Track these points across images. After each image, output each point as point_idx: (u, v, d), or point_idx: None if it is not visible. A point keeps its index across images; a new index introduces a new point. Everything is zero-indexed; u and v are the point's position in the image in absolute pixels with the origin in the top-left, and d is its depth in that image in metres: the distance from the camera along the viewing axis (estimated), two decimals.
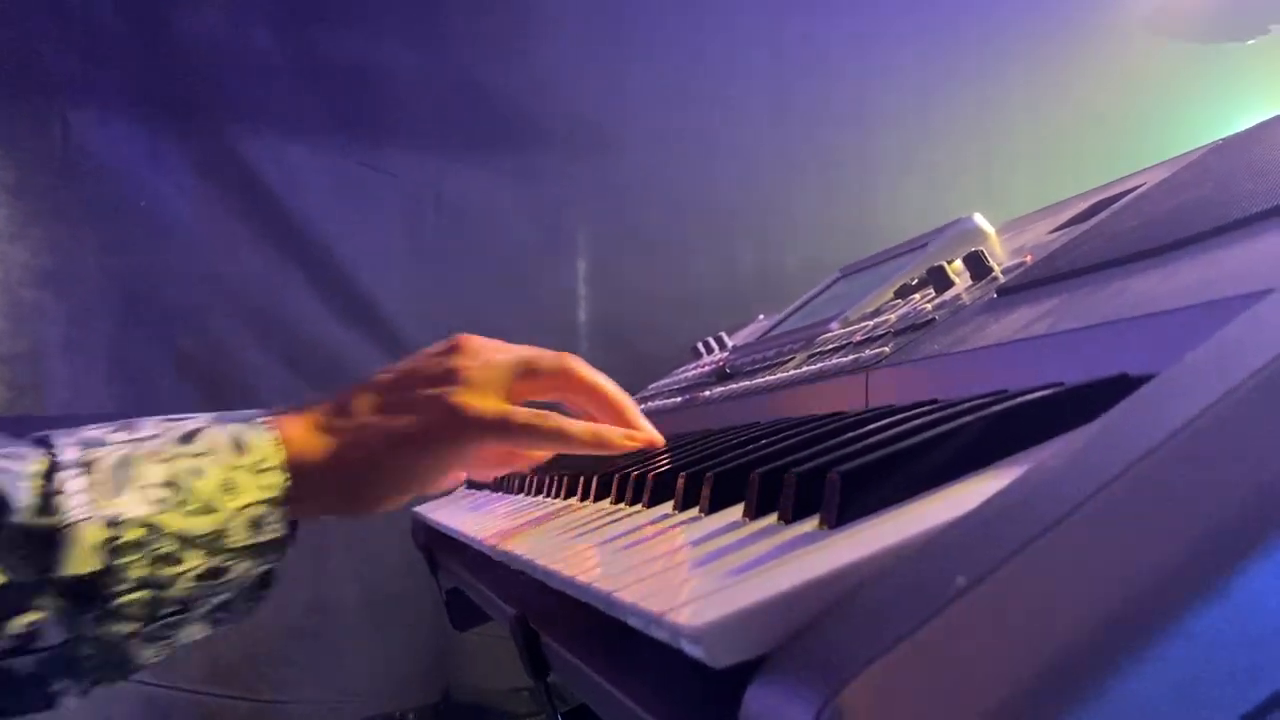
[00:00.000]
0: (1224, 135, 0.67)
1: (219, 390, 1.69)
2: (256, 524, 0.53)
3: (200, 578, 0.51)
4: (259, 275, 1.75)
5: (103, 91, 1.60)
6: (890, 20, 2.02)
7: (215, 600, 0.53)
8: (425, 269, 1.87)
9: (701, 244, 1.98)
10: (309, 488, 0.55)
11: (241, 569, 0.53)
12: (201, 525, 0.51)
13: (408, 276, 1.85)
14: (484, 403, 0.59)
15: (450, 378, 0.60)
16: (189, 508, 0.51)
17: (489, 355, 0.63)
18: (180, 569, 0.50)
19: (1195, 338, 0.33)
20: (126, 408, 1.60)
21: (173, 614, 0.51)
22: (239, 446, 0.54)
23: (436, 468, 0.60)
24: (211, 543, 0.51)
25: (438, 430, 0.58)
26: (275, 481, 0.54)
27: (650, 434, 0.65)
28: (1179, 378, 0.30)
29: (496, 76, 1.89)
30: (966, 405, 0.40)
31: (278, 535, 0.54)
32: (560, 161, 1.93)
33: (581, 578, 0.41)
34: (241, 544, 0.52)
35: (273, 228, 1.77)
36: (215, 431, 0.54)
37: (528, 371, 0.63)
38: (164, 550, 0.49)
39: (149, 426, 0.54)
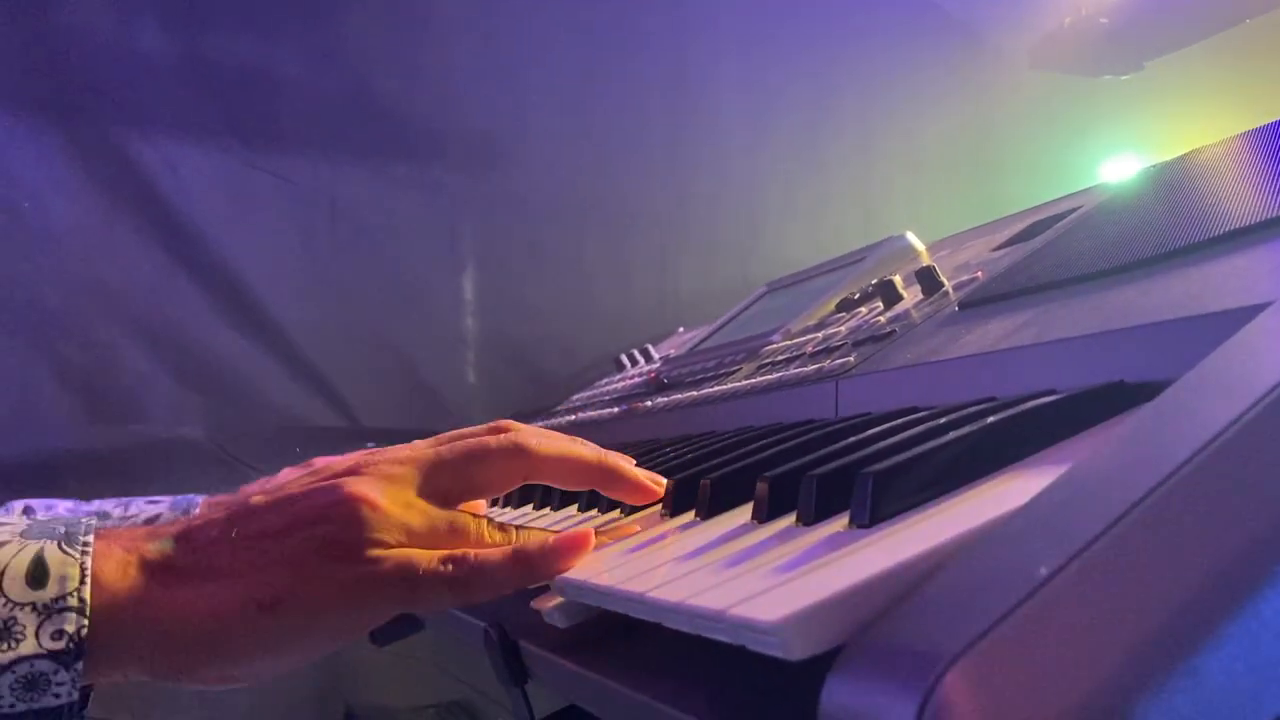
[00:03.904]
0: (1105, 166, 0.71)
1: (101, 401, 1.62)
2: (32, 683, 0.40)
3: None
4: (146, 281, 1.69)
5: None
6: (780, 56, 2.07)
7: None
8: (319, 276, 1.83)
9: (598, 258, 1.99)
10: (120, 643, 0.42)
11: None
12: None
13: (301, 284, 1.81)
14: (376, 550, 0.45)
15: (336, 514, 0.46)
16: None
17: (396, 499, 0.47)
18: None
19: (1194, 347, 0.35)
20: (5, 418, 1.52)
21: None
22: (37, 577, 0.41)
23: (308, 644, 0.45)
24: None
25: (312, 596, 0.44)
26: (69, 628, 0.40)
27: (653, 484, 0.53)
28: (1206, 381, 0.32)
29: (392, 84, 1.87)
30: (967, 411, 0.42)
31: (62, 702, 0.40)
32: (456, 171, 1.92)
33: (598, 581, 0.41)
34: (9, 710, 0.40)
35: (161, 232, 1.70)
36: (12, 550, 0.42)
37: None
38: None
39: None
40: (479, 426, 0.55)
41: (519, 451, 0.50)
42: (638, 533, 0.49)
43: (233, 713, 1.61)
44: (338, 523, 0.45)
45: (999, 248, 0.70)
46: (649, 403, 0.86)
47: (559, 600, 0.47)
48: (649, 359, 1.15)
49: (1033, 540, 0.28)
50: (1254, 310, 0.36)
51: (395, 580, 0.45)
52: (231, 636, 0.44)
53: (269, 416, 1.71)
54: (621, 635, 0.46)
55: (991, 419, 0.38)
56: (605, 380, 1.19)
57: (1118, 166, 1.87)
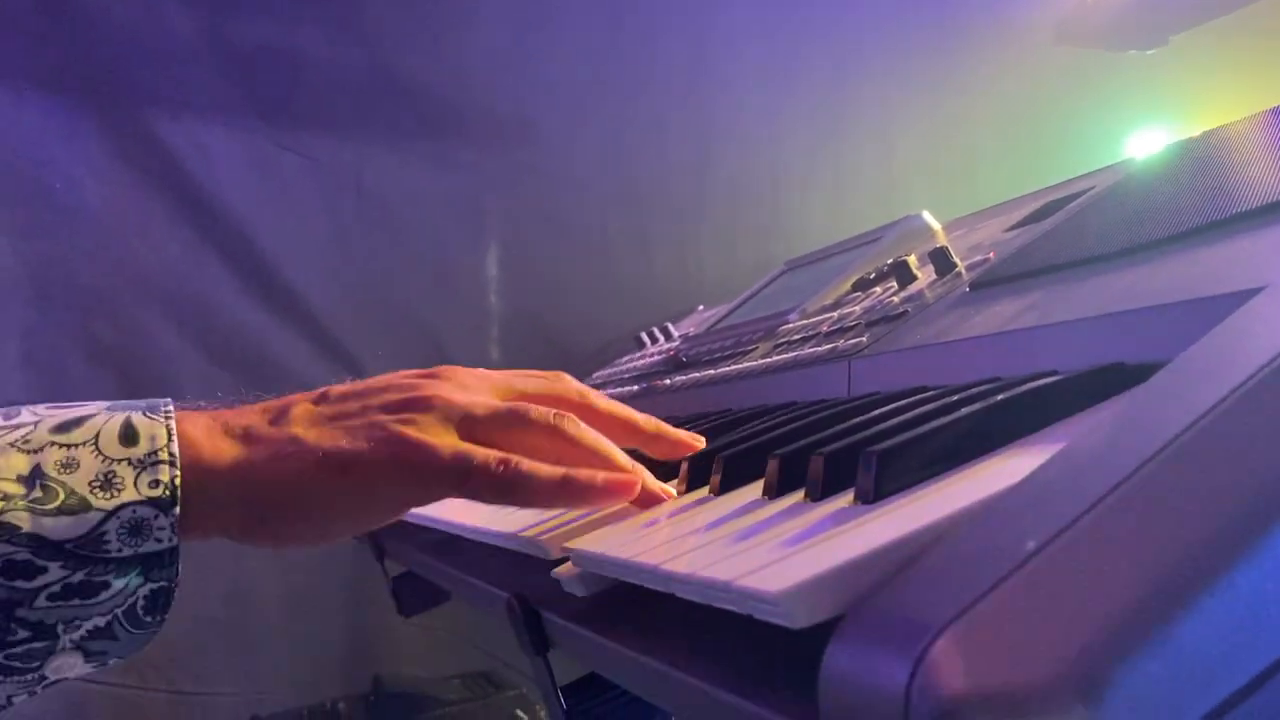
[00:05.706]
0: (1130, 142, 0.72)
1: (134, 378, 1.65)
2: (137, 529, 0.43)
3: (63, 595, 0.41)
4: (176, 260, 1.72)
5: (15, 70, 1.55)
6: (801, 33, 2.07)
7: (87, 626, 0.43)
8: (346, 255, 1.85)
9: (620, 237, 2.00)
10: (206, 500, 0.46)
11: (119, 587, 0.43)
12: (65, 527, 0.41)
13: (329, 262, 1.83)
14: (440, 439, 0.49)
15: (413, 405, 0.51)
16: (50, 505, 0.41)
17: (470, 394, 0.53)
18: (36, 583, 0.41)
19: (1191, 330, 0.36)
20: (38, 395, 1.55)
21: (28, 641, 0.41)
22: (128, 436, 0.44)
23: (369, 510, 0.51)
24: (78, 551, 0.41)
25: (380, 465, 0.48)
26: (164, 478, 0.44)
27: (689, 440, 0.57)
28: (1195, 364, 0.33)
29: (416, 63, 1.88)
30: (971, 391, 0.44)
31: (164, 546, 0.43)
32: (480, 150, 1.93)
33: (615, 554, 0.43)
34: (118, 554, 0.42)
35: (190, 211, 1.73)
36: (102, 419, 0.45)
37: (514, 419, 0.52)
38: (16, 558, 0.40)
39: (27, 413, 0.45)
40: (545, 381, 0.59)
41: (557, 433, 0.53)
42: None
43: (264, 681, 1.64)
44: (410, 410, 0.50)
45: (1011, 228, 0.71)
46: (668, 381, 0.87)
47: (578, 570, 0.49)
48: (669, 337, 1.16)
49: (1022, 516, 0.30)
50: (1249, 294, 0.37)
51: (451, 468, 0.49)
52: (309, 494, 0.48)
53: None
54: (640, 604, 0.48)
55: (993, 399, 0.39)
56: (626, 358, 1.20)
57: (1143, 142, 1.86)
